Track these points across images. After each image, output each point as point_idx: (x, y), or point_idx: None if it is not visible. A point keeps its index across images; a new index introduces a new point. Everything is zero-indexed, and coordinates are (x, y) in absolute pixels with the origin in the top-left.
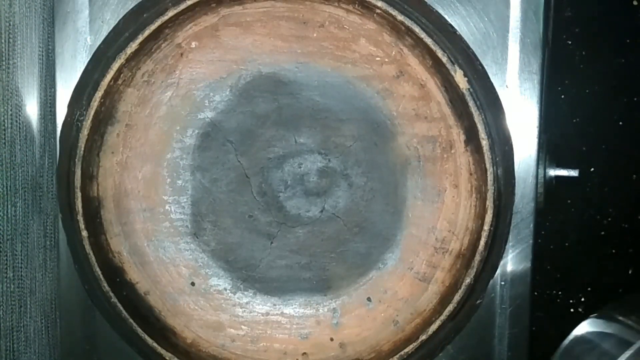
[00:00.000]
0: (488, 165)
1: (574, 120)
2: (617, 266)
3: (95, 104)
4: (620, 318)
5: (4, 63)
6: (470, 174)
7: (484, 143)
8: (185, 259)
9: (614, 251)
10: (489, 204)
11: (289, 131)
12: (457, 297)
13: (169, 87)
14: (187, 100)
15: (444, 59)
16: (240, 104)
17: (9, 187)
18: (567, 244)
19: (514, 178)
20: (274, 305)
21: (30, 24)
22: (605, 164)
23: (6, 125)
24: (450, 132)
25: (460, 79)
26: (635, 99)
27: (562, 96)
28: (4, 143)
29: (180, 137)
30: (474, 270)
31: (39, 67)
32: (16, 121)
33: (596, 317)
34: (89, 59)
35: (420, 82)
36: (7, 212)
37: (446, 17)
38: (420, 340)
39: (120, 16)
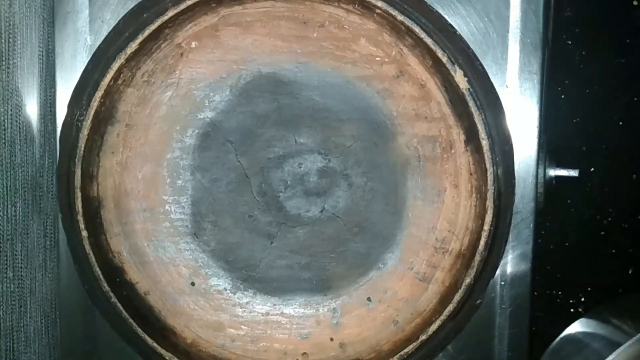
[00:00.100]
0: (488, 165)
1: (574, 120)
2: (617, 266)
3: (95, 104)
4: (612, 319)
5: (4, 63)
6: (470, 174)
7: (484, 143)
8: (185, 259)
9: (614, 251)
10: (489, 204)
11: (289, 131)
12: (457, 297)
13: (169, 87)
14: (187, 100)
15: (444, 59)
16: (240, 104)
17: (9, 187)
18: (567, 244)
19: (514, 178)
20: (274, 305)
21: (30, 24)
22: (605, 164)
23: (6, 125)
24: (450, 132)
25: (460, 79)
26: (635, 99)
27: (562, 96)
28: (4, 143)
29: (180, 137)
30: (474, 270)
31: (39, 67)
32: (16, 121)
33: (587, 317)
34: (89, 59)
35: (420, 82)
36: (7, 212)
37: (446, 17)
38: (420, 340)
39: (120, 16)
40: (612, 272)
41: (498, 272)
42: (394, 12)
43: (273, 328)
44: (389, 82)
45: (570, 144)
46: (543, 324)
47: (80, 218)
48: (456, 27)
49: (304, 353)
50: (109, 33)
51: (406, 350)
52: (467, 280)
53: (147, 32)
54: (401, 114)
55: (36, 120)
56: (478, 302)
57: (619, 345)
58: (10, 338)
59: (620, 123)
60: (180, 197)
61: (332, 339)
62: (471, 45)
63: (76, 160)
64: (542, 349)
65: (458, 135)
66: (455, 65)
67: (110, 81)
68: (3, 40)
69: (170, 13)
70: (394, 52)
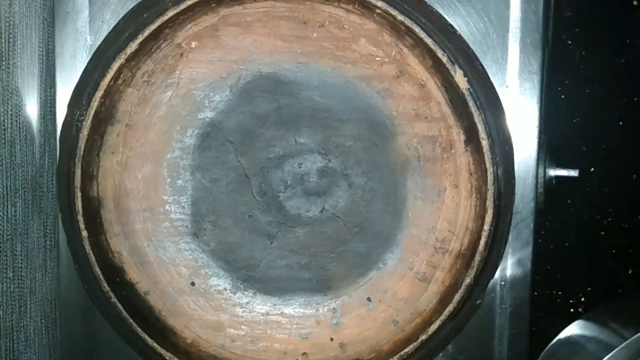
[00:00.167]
0: (488, 165)
1: (574, 120)
2: (617, 266)
3: (95, 104)
4: (609, 321)
5: (4, 63)
6: (470, 174)
7: (484, 143)
8: (185, 259)
9: (614, 251)
10: (489, 204)
11: (289, 131)
12: (457, 297)
13: (169, 87)
14: (187, 100)
15: (444, 59)
16: (240, 104)
17: (9, 187)
18: (567, 244)
19: (514, 178)
20: (274, 305)
21: (30, 24)
22: (605, 164)
23: (6, 125)
24: (450, 132)
25: (460, 79)
26: (635, 99)
27: (562, 96)
28: (4, 143)
29: (180, 137)
30: (474, 270)
31: (39, 67)
32: (16, 121)
33: (584, 319)
34: (89, 59)
35: (420, 82)
36: (7, 212)
37: (446, 17)
38: (420, 340)
39: (120, 16)
40: (612, 272)
41: (498, 272)
42: (394, 12)
43: (273, 328)
44: (389, 82)
45: (570, 144)
46: (543, 324)
47: (80, 218)
48: (456, 27)
49: (304, 353)
50: (109, 33)
51: (406, 350)
52: (467, 280)
53: (147, 32)
54: (401, 114)
55: (36, 120)
56: (478, 302)
57: (613, 348)
58: (10, 338)
59: (620, 123)
60: (180, 197)
61: (332, 339)
62: (471, 45)
63: (76, 160)
64: (542, 349)
65: (458, 135)
66: (455, 65)
67: (110, 81)
68: (3, 40)
69: (170, 13)
70: (394, 52)
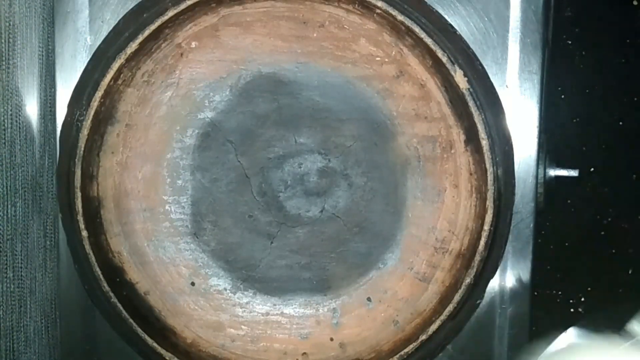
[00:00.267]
0: (488, 165)
1: (574, 120)
2: (617, 266)
3: (95, 104)
4: (604, 328)
5: (4, 63)
6: (470, 174)
7: (484, 143)
8: (185, 259)
9: (614, 251)
10: (489, 204)
11: (289, 131)
12: (457, 297)
13: (169, 87)
14: (187, 100)
15: (444, 59)
16: (240, 104)
17: (9, 187)
18: (567, 244)
19: (514, 178)
20: (274, 305)
21: (30, 24)
22: (605, 164)
23: (6, 125)
24: (450, 132)
25: (460, 79)
26: (635, 99)
27: (562, 96)
28: (4, 143)
29: (180, 137)
30: (474, 270)
31: (39, 67)
32: (16, 121)
33: (579, 326)
34: (89, 59)
35: (420, 82)
36: (7, 212)
37: (446, 17)
38: (420, 340)
39: (120, 16)
40: (612, 272)
41: (498, 272)
42: (394, 12)
43: (273, 328)
44: (389, 82)
45: (570, 144)
46: (543, 324)
47: (80, 218)
48: (456, 27)
49: (304, 353)
50: (109, 33)
51: (406, 350)
52: (467, 280)
53: (147, 32)
54: (401, 114)
55: (36, 120)
56: (478, 302)
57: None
58: (10, 338)
59: (620, 123)
60: (180, 197)
61: (332, 339)
62: (471, 45)
63: (76, 160)
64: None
65: (458, 135)
66: (455, 65)
67: (110, 81)
68: (3, 40)
69: (170, 13)
70: (394, 52)
